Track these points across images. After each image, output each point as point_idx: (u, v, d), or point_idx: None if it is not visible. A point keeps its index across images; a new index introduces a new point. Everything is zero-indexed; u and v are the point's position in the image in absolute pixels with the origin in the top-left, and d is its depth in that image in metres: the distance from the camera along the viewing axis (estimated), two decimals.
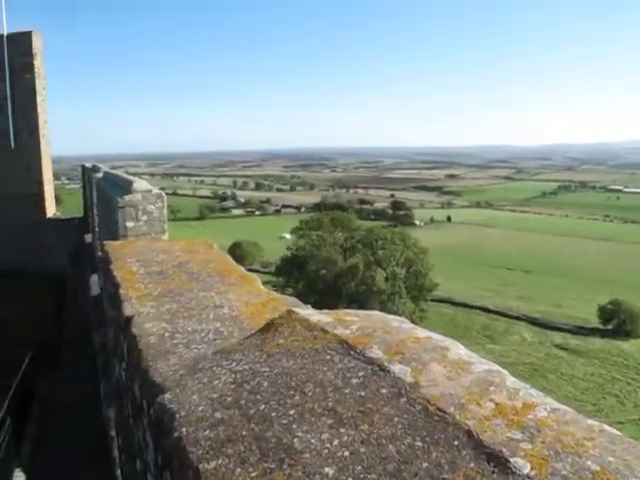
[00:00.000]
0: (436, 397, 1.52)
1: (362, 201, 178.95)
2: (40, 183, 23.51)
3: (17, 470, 9.07)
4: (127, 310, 3.19)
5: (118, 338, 3.84)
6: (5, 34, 22.68)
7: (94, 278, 11.70)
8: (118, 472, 6.26)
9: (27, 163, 23.27)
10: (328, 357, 1.83)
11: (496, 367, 1.70)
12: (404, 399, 1.55)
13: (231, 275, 3.90)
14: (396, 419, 1.48)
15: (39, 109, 22.95)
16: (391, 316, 2.22)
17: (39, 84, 22.90)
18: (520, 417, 1.40)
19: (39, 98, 22.92)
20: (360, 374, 1.70)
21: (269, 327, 2.21)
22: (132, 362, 2.82)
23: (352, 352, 1.81)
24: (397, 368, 1.68)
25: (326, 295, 44.58)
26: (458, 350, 1.82)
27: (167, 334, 2.73)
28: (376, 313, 2.28)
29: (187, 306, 3.19)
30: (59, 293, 19.48)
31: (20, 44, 22.63)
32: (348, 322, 2.08)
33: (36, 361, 12.75)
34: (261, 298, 3.31)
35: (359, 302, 43.15)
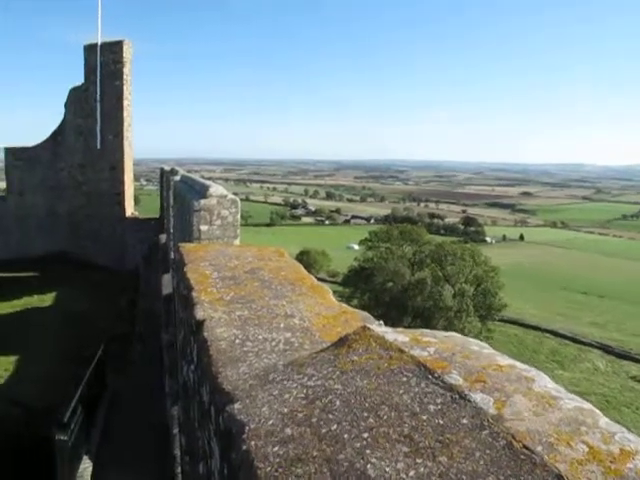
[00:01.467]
0: (522, 433, 1.42)
1: (433, 215, 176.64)
2: (122, 183, 24.52)
3: (85, 457, 9.38)
4: (199, 314, 3.20)
5: (188, 340, 3.88)
6: (99, 43, 23.93)
7: (166, 278, 12.03)
8: (179, 470, 6.34)
9: (111, 164, 24.36)
10: (404, 379, 1.75)
11: (588, 405, 1.58)
12: (486, 432, 1.45)
13: (303, 285, 3.87)
14: (478, 453, 1.38)
15: (124, 113, 23.98)
16: (471, 339, 2.12)
17: (126, 89, 23.95)
18: (618, 465, 1.28)
19: (125, 102, 23.96)
20: (438, 400, 1.61)
21: (343, 342, 2.15)
22: (202, 366, 2.82)
23: (430, 376, 1.73)
24: (479, 397, 1.59)
25: (391, 308, 44.13)
26: (544, 382, 1.70)
27: (238, 341, 2.72)
28: (454, 335, 2.18)
29: (258, 313, 3.18)
30: (133, 289, 20.15)
31: (112, 52, 23.81)
32: (425, 343, 2.00)
33: (108, 353, 13.20)
34: (333, 310, 3.26)
35: (424, 317, 42.48)
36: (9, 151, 26.35)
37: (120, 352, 14.67)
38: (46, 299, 20.63)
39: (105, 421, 11.09)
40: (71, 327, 17.42)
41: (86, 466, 9.10)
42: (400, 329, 2.28)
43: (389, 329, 2.27)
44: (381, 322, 2.85)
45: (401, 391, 1.69)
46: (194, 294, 3.64)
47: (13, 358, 15.21)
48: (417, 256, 48.97)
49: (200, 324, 3.06)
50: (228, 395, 2.07)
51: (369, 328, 2.19)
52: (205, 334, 2.86)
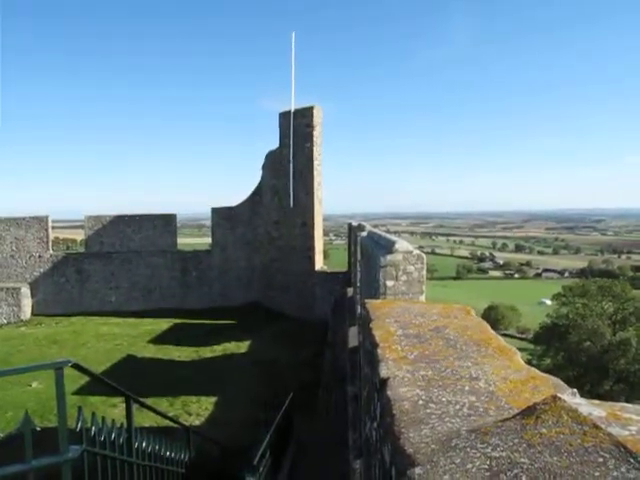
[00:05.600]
0: None
1: (637, 268, 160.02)
2: (312, 238, 25.83)
3: None
4: (383, 371, 3.23)
5: (371, 397, 3.92)
6: (292, 110, 26.01)
7: (353, 331, 12.27)
8: None
9: (302, 220, 25.86)
10: (600, 460, 1.60)
11: None
12: None
13: (489, 345, 3.74)
14: None
15: (315, 172, 25.48)
16: None
17: (316, 151, 25.51)
18: None
19: (315, 163, 25.48)
20: None
21: (531, 412, 2.04)
22: (384, 425, 2.83)
23: (632, 460, 1.57)
24: None
25: (589, 370, 40.34)
26: None
27: (421, 402, 2.69)
28: None
29: (442, 374, 3.12)
30: (320, 340, 20.83)
31: (303, 117, 25.68)
32: (626, 420, 1.82)
33: (296, 401, 13.69)
34: (520, 375, 3.10)
35: (629, 382, 38.17)
36: (215, 211, 29.41)
37: (306, 400, 15.16)
38: (241, 346, 22.13)
39: (290, 467, 11.45)
40: (263, 373, 18.46)
41: None
42: (596, 402, 2.10)
43: (583, 401, 2.10)
44: (575, 391, 2.64)
45: (597, 473, 1.55)
46: (379, 351, 3.69)
47: (213, 399, 16.45)
48: (619, 314, 44.52)
49: (384, 382, 3.08)
50: (409, 458, 2.05)
51: (560, 398, 2.06)
52: (388, 393, 2.87)
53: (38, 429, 2.75)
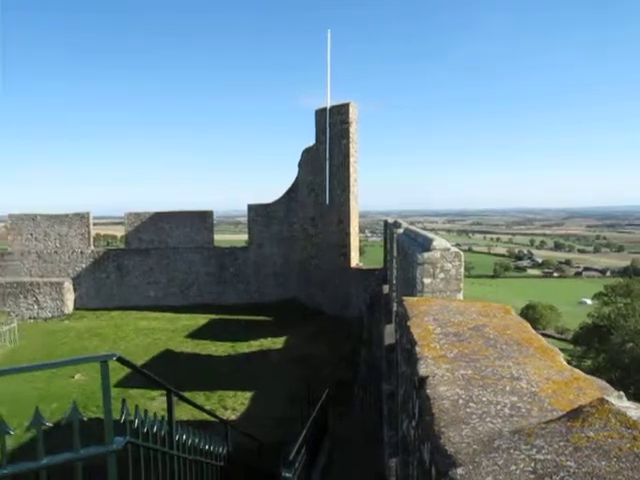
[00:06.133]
0: None
1: None
2: (347, 235, 25.82)
3: None
4: (422, 370, 3.21)
5: (409, 395, 3.89)
6: (328, 107, 26.02)
7: (388, 328, 12.22)
8: None
9: (338, 217, 25.85)
10: None
11: None
12: None
13: (530, 345, 3.68)
14: None
15: (351, 169, 25.44)
16: None
17: (352, 148, 25.47)
18: None
19: (351, 159, 25.44)
20: None
21: (576, 414, 2.00)
22: (423, 424, 2.81)
23: None
24: None
25: (632, 372, 39.32)
26: None
27: (461, 401, 2.66)
28: None
29: (482, 374, 3.09)
30: (356, 337, 20.81)
31: (339, 114, 25.67)
32: None
33: (332, 397, 13.71)
34: (564, 375, 3.04)
35: None
36: (251, 208, 29.65)
37: (342, 397, 15.17)
38: (278, 342, 22.29)
39: (325, 462, 11.48)
40: (298, 369, 18.55)
41: None
42: None
43: (632, 404, 2.05)
44: (621, 393, 2.58)
45: None
46: (417, 349, 3.66)
47: (249, 394, 16.61)
48: None
49: (423, 380, 3.06)
50: (450, 458, 2.03)
51: (607, 401, 2.01)
52: (428, 391, 2.85)
53: (85, 419, 2.82)
